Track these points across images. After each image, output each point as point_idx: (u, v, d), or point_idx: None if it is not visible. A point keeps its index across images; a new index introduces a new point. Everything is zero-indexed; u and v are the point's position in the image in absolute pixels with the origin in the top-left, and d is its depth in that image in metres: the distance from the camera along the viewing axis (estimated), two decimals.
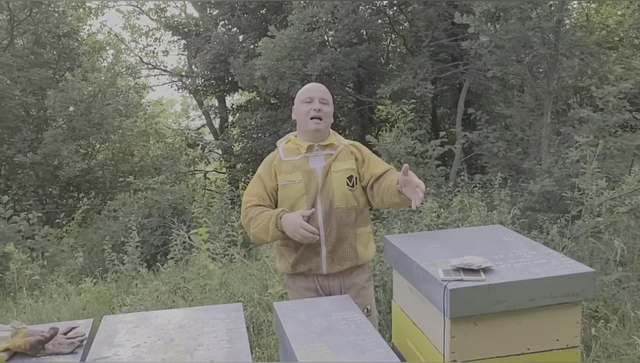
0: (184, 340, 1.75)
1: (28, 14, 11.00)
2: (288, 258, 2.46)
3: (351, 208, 2.41)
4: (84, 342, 1.76)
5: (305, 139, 2.48)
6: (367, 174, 2.45)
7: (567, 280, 1.78)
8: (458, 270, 1.81)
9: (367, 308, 2.41)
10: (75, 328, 1.82)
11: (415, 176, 2.21)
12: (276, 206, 2.47)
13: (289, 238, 2.38)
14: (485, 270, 1.80)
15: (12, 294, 5.50)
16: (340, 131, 11.95)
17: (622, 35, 10.60)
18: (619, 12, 10.90)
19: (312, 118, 2.44)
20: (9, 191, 9.71)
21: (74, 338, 1.76)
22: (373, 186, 2.42)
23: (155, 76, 16.46)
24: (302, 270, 2.43)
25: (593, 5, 10.36)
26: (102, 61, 13.79)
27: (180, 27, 12.76)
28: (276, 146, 2.58)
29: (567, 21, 7.16)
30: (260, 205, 2.44)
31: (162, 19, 14.65)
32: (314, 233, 2.28)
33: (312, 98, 2.47)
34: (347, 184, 2.42)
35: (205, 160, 14.43)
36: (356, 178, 2.45)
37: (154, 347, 1.71)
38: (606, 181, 4.49)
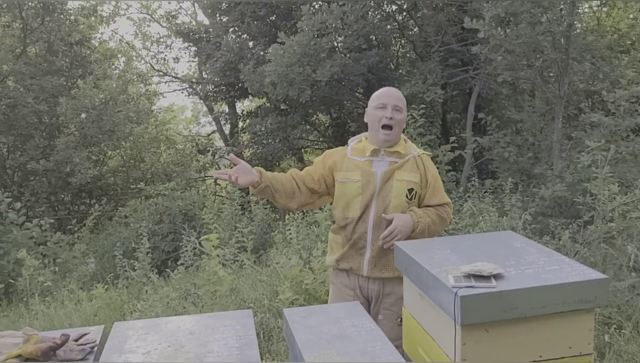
0: (194, 346, 1.75)
1: (40, 22, 11.13)
2: (336, 253, 2.51)
3: None
4: (95, 349, 1.77)
5: (373, 142, 2.49)
6: (426, 199, 2.47)
7: (580, 286, 1.76)
8: (469, 276, 1.79)
9: (401, 319, 2.38)
10: (86, 334, 1.83)
11: (392, 224, 2.32)
12: (319, 186, 2.52)
13: (339, 232, 2.49)
14: (496, 277, 1.78)
15: (24, 300, 5.55)
16: (350, 137, 11.92)
17: (634, 38, 10.52)
18: (630, 16, 10.83)
19: (383, 127, 2.43)
20: (22, 198, 9.80)
21: (85, 344, 1.77)
22: None
23: (166, 82, 16.58)
24: (345, 267, 2.48)
25: (604, 9, 10.29)
26: (113, 68, 13.91)
27: (191, 34, 12.84)
28: (346, 143, 2.61)
29: (578, 25, 7.12)
30: (291, 175, 2.51)
31: (173, 26, 14.76)
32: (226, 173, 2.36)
33: (385, 105, 2.45)
34: (407, 196, 2.42)
35: (216, 166, 14.47)
36: (416, 192, 2.44)
37: (165, 354, 1.71)
38: (619, 186, 4.45)
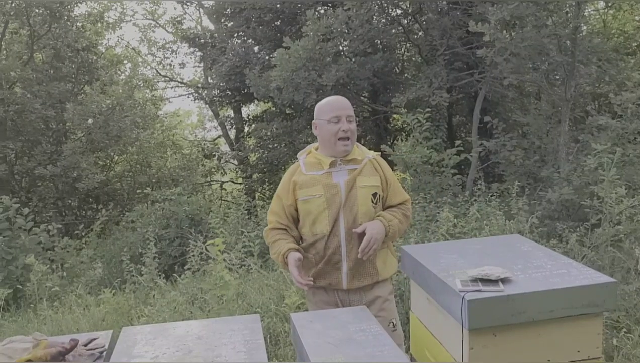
0: (202, 351, 1.76)
1: (48, 29, 11.21)
2: (308, 271, 2.46)
3: None
4: (104, 353, 1.78)
5: (327, 154, 2.45)
6: (388, 200, 2.48)
7: (588, 290, 1.75)
8: (476, 280, 1.79)
9: (393, 322, 2.37)
10: (95, 339, 1.84)
11: (367, 237, 2.29)
12: (296, 223, 2.48)
13: (309, 250, 2.43)
14: (504, 281, 1.78)
15: (32, 305, 5.57)
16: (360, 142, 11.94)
17: None
18: (637, 18, 10.79)
19: (339, 139, 2.40)
20: (30, 204, 9.86)
21: (93, 349, 1.78)
22: None
23: (171, 88, 16.64)
24: (322, 284, 2.43)
25: (610, 11, 10.26)
26: (119, 74, 13.98)
27: (196, 39, 12.89)
28: (296, 158, 2.57)
29: (584, 28, 7.10)
30: (278, 229, 2.48)
31: (179, 32, 14.83)
32: (304, 283, 2.32)
33: (339, 117, 2.41)
34: (372, 201, 2.40)
35: (222, 171, 14.51)
36: (380, 195, 2.43)
37: (173, 358, 1.72)
38: (626, 189, 4.43)
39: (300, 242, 2.49)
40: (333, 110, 2.43)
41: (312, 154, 2.51)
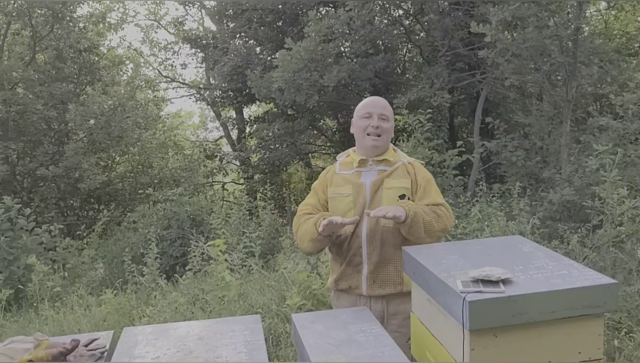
0: (203, 352, 1.76)
1: (50, 30, 11.23)
2: (335, 274, 2.43)
3: (399, 230, 2.28)
4: (105, 354, 1.78)
5: (360, 153, 2.44)
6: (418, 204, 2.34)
7: (589, 291, 1.75)
8: (477, 281, 1.79)
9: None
10: (96, 340, 1.84)
11: (377, 211, 2.19)
12: None
13: (335, 249, 2.39)
14: (505, 282, 1.78)
15: (34, 305, 5.58)
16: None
17: None
18: (639, 18, 10.78)
19: (368, 134, 2.37)
20: (31, 204, 9.87)
21: (94, 350, 1.78)
22: None
23: (173, 88, 16.66)
24: (343, 287, 2.38)
25: (612, 12, 10.25)
26: (121, 74, 14.00)
27: (198, 40, 12.91)
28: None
29: (586, 28, 7.10)
30: (311, 213, 2.42)
31: (180, 33, 14.85)
32: (330, 223, 2.19)
33: (370, 114, 2.39)
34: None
35: (223, 171, 14.52)
36: (408, 198, 2.34)
37: (173, 359, 1.72)
38: (628, 190, 4.43)
39: (331, 244, 2.45)
40: (366, 106, 2.43)
41: (349, 156, 2.50)
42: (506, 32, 6.53)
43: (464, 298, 1.69)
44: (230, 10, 11.80)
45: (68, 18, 11.38)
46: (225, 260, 4.61)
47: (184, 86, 16.45)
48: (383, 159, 2.39)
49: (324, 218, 2.26)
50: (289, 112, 11.24)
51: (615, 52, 7.85)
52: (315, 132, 12.33)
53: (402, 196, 2.33)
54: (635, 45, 10.35)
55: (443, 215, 2.34)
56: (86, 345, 1.80)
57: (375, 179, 2.35)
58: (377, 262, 2.30)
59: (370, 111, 2.40)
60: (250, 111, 14.59)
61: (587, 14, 6.59)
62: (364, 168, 2.39)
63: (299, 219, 2.44)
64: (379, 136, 2.37)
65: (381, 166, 2.39)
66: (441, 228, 2.32)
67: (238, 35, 11.69)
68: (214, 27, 14.11)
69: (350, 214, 2.33)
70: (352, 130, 2.50)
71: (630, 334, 3.30)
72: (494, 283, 1.77)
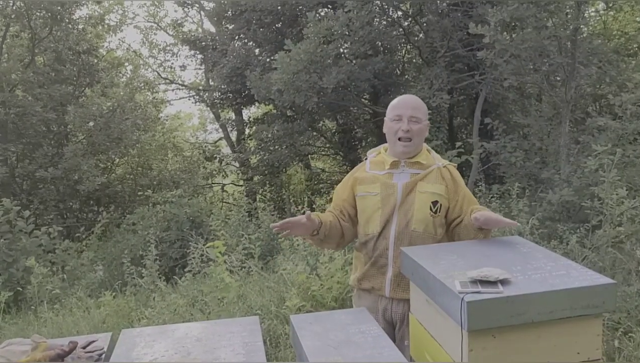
0: (201, 353, 1.75)
1: (49, 32, 11.24)
2: (357, 272, 2.40)
3: (429, 235, 2.28)
4: (103, 356, 1.78)
5: (392, 154, 2.38)
6: (455, 211, 2.32)
7: (588, 291, 1.75)
8: (475, 282, 1.79)
9: None
10: (94, 342, 1.84)
11: (483, 214, 2.17)
12: (350, 217, 2.42)
13: (361, 249, 2.37)
14: (503, 282, 1.78)
15: (33, 308, 5.57)
16: (356, 143, 11.97)
17: None
18: (637, 19, 10.78)
19: (399, 139, 2.32)
20: (31, 206, 9.86)
21: (92, 352, 1.78)
22: (456, 227, 2.32)
23: (172, 90, 16.67)
24: (366, 287, 2.35)
25: (611, 13, 10.26)
26: (120, 76, 14.01)
27: (197, 41, 12.92)
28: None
29: (584, 29, 7.11)
30: (331, 212, 2.43)
31: (179, 34, 14.86)
32: (286, 224, 2.25)
33: (400, 116, 2.32)
34: (431, 209, 2.27)
35: (223, 173, 14.53)
36: (441, 204, 2.29)
37: (171, 361, 1.72)
38: (627, 190, 4.43)
39: (357, 241, 2.44)
40: (396, 108, 2.36)
41: (380, 154, 2.45)
42: (505, 33, 6.54)
43: (462, 298, 1.68)
44: (229, 12, 11.80)
45: (67, 20, 11.41)
46: (225, 261, 4.61)
47: (183, 87, 16.46)
48: (416, 161, 2.34)
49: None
50: (288, 114, 11.25)
51: (614, 53, 7.86)
52: (315, 133, 12.33)
53: (434, 202, 2.28)
54: (634, 45, 10.36)
55: None
56: (84, 347, 1.80)
57: (407, 182, 2.31)
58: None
59: (400, 113, 2.33)
60: (250, 112, 14.61)
61: (585, 15, 6.60)
62: (396, 169, 2.34)
63: None
64: (410, 140, 2.32)
65: (414, 168, 2.34)
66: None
67: (237, 37, 11.70)
68: (213, 29, 14.12)
69: (378, 213, 2.29)
70: (384, 130, 2.44)
71: (630, 335, 3.30)
72: (493, 283, 1.77)
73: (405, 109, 2.34)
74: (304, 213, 2.30)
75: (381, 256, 2.31)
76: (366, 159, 2.49)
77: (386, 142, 2.47)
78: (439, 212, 2.30)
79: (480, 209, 2.27)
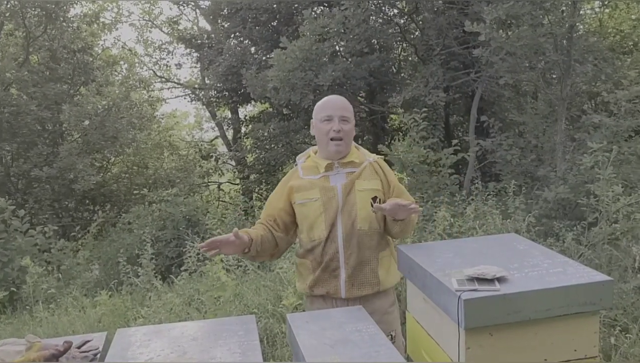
0: (197, 352, 1.74)
1: (43, 30, 11.18)
2: (306, 279, 2.36)
3: (374, 231, 2.28)
4: (98, 356, 1.77)
5: (324, 157, 2.35)
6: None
7: (584, 288, 1.75)
8: (472, 279, 1.78)
9: (392, 335, 2.29)
10: (89, 341, 1.82)
11: (390, 202, 2.17)
12: (286, 226, 2.38)
13: (306, 256, 2.34)
14: (500, 280, 1.77)
15: (28, 307, 5.55)
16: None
17: (636, 40, 10.50)
18: (632, 17, 10.81)
19: (332, 139, 2.30)
20: (26, 205, 9.83)
21: (87, 351, 1.76)
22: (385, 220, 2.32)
23: (168, 88, 16.63)
24: (320, 293, 2.33)
25: (606, 10, 10.28)
26: (116, 75, 13.97)
27: (193, 40, 12.89)
28: (294, 160, 2.51)
29: (580, 27, 7.12)
30: (260, 222, 2.39)
31: (175, 33, 14.82)
32: (214, 242, 2.20)
33: (331, 117, 2.30)
34: (372, 205, 2.27)
35: (219, 172, 14.51)
36: (380, 199, 2.30)
37: (167, 360, 1.70)
38: (622, 187, 4.44)
39: (299, 249, 2.40)
40: (325, 109, 2.33)
41: (310, 158, 2.41)
42: (500, 31, 6.54)
43: (459, 296, 1.68)
44: (225, 10, 11.78)
45: (62, 18, 11.36)
46: (221, 260, 4.59)
47: (179, 86, 16.43)
48: (349, 161, 2.33)
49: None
50: (285, 112, 11.24)
51: (610, 50, 7.89)
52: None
53: (374, 198, 2.29)
54: (629, 43, 10.39)
55: (415, 217, 2.39)
56: (79, 347, 1.78)
57: (345, 182, 2.29)
58: (355, 266, 2.26)
59: (331, 113, 2.31)
60: (246, 110, 14.59)
61: (581, 12, 6.61)
62: (331, 171, 2.32)
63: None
64: (341, 139, 2.30)
65: (348, 168, 2.33)
66: (413, 227, 2.42)
67: (233, 35, 11.68)
68: (208, 27, 14.09)
69: (322, 218, 2.27)
70: (312, 132, 2.42)
71: (627, 332, 3.30)
72: (489, 281, 1.76)
73: (334, 109, 2.32)
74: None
75: (332, 259, 2.29)
76: (296, 164, 2.45)
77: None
78: None
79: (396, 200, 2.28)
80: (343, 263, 2.27)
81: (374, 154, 2.44)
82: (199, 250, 2.26)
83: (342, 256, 2.27)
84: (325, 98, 2.42)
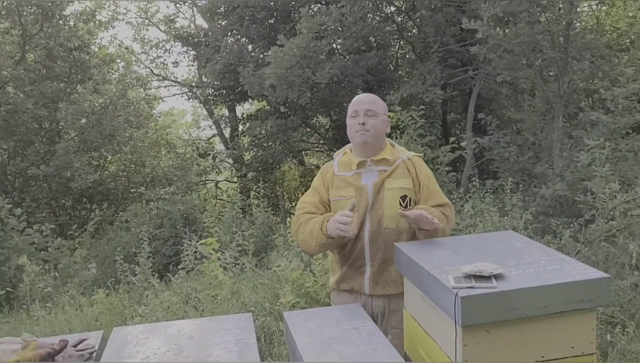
0: (194, 351, 1.74)
1: (40, 28, 11.14)
2: (335, 275, 2.42)
3: (402, 230, 2.29)
4: (94, 354, 1.76)
5: (357, 154, 2.39)
6: (418, 204, 2.32)
7: (581, 285, 1.75)
8: (469, 277, 1.78)
9: None
10: (85, 340, 1.82)
11: (414, 212, 2.15)
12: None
13: (337, 252, 2.36)
14: (497, 277, 1.77)
15: (25, 306, 5.54)
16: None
17: (633, 37, 10.49)
18: (629, 14, 10.81)
19: (356, 132, 2.34)
20: (23, 204, 9.79)
21: (83, 350, 1.76)
22: None
23: (165, 87, 16.60)
24: (346, 288, 2.38)
25: (603, 8, 10.28)
26: (113, 73, 13.93)
27: (190, 38, 12.85)
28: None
29: (577, 24, 7.11)
30: (312, 212, 2.38)
31: (172, 30, 14.78)
32: (346, 216, 2.14)
33: (357, 112, 2.36)
34: (400, 204, 2.29)
35: (217, 170, 14.48)
36: (410, 198, 2.31)
37: (164, 359, 1.70)
38: (619, 184, 4.44)
39: None
40: (353, 105, 2.40)
41: (346, 154, 2.45)
42: (498, 28, 6.53)
43: (456, 293, 1.68)
44: (222, 8, 11.75)
45: (58, 16, 11.30)
46: (219, 258, 4.59)
47: (176, 84, 16.39)
48: (382, 158, 2.35)
49: (328, 220, 2.22)
50: (282, 110, 11.22)
51: (607, 48, 7.89)
52: (308, 129, 12.31)
53: (403, 197, 2.30)
54: (626, 40, 10.39)
55: (451, 217, 2.37)
56: (75, 346, 1.78)
57: (376, 181, 2.32)
58: (380, 264, 2.29)
59: (357, 108, 2.37)
60: (243, 108, 14.56)
61: (578, 10, 6.60)
62: (363, 169, 2.35)
63: (298, 218, 2.39)
64: (367, 130, 2.32)
65: (381, 166, 2.35)
66: (449, 230, 2.37)
67: (230, 33, 11.64)
68: (205, 25, 14.05)
69: (354, 217, 2.28)
70: (347, 132, 2.47)
71: (624, 328, 3.31)
72: (486, 278, 1.76)
73: (361, 105, 2.37)
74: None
75: (358, 257, 2.33)
76: (333, 159, 2.48)
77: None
78: (409, 206, 2.31)
79: (425, 207, 2.26)
80: (368, 261, 2.31)
81: (411, 152, 2.45)
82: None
83: (367, 253, 2.31)
84: (356, 97, 2.46)
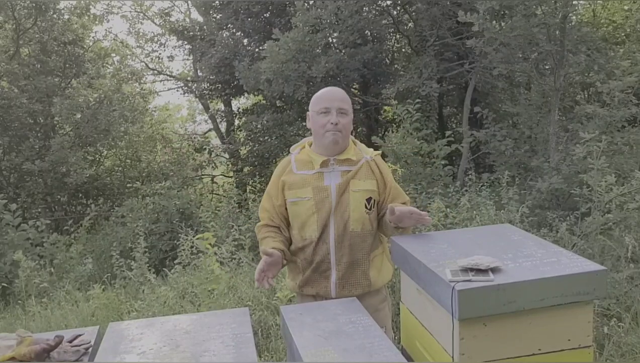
0: (190, 346, 1.73)
1: (33, 22, 11.07)
2: (295, 277, 2.33)
3: (367, 233, 2.24)
4: (90, 350, 1.75)
5: (320, 152, 2.27)
6: (384, 205, 2.26)
7: (578, 278, 1.75)
8: (466, 270, 1.78)
9: (384, 328, 2.26)
10: (80, 335, 1.81)
11: (402, 208, 2.12)
12: (287, 223, 2.33)
13: (297, 254, 2.30)
14: (494, 270, 1.77)
15: (20, 302, 5.52)
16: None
17: (628, 30, 10.52)
18: (625, 7, 10.82)
19: (327, 131, 2.22)
20: (18, 199, 9.76)
21: (79, 346, 1.75)
22: (380, 221, 2.28)
23: (161, 81, 16.49)
24: (310, 293, 2.29)
25: (599, 1, 10.28)
26: (107, 67, 13.85)
27: (185, 31, 12.79)
28: (288, 152, 2.40)
29: (573, 17, 7.12)
30: (268, 225, 2.34)
31: (167, 24, 14.69)
32: (260, 282, 2.15)
33: (328, 109, 2.21)
34: (366, 206, 2.22)
35: (213, 164, 14.44)
36: (375, 200, 2.25)
37: (160, 354, 1.69)
38: (615, 177, 4.45)
39: (290, 246, 2.34)
40: (323, 101, 2.25)
41: (305, 150, 2.33)
42: (494, 21, 6.53)
43: (453, 287, 1.67)
44: (217, 2, 11.70)
45: (52, 10, 11.23)
46: (215, 253, 4.58)
47: (172, 78, 16.31)
48: (346, 158, 2.25)
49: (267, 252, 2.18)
50: (278, 104, 11.19)
51: (603, 41, 7.89)
52: (304, 123, 12.27)
53: (368, 199, 2.24)
54: (622, 34, 10.40)
55: None
56: (70, 341, 1.77)
57: (340, 182, 2.22)
58: (346, 267, 2.23)
59: (329, 106, 2.22)
60: (239, 103, 14.52)
61: (574, 2, 6.59)
62: (326, 168, 2.24)
63: (259, 229, 2.37)
64: (340, 131, 2.22)
65: (344, 166, 2.25)
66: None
67: (225, 27, 11.60)
68: (200, 19, 13.98)
69: (314, 218, 2.22)
70: (308, 125, 2.33)
71: (620, 321, 3.32)
72: (483, 271, 1.76)
73: (333, 101, 2.24)
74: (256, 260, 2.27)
75: (323, 261, 2.24)
76: (290, 154, 2.38)
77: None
78: (373, 208, 2.26)
79: (398, 205, 2.21)
80: (334, 264, 2.23)
81: (372, 150, 2.37)
82: (259, 288, 2.21)
83: (332, 257, 2.23)
84: (323, 90, 2.34)
